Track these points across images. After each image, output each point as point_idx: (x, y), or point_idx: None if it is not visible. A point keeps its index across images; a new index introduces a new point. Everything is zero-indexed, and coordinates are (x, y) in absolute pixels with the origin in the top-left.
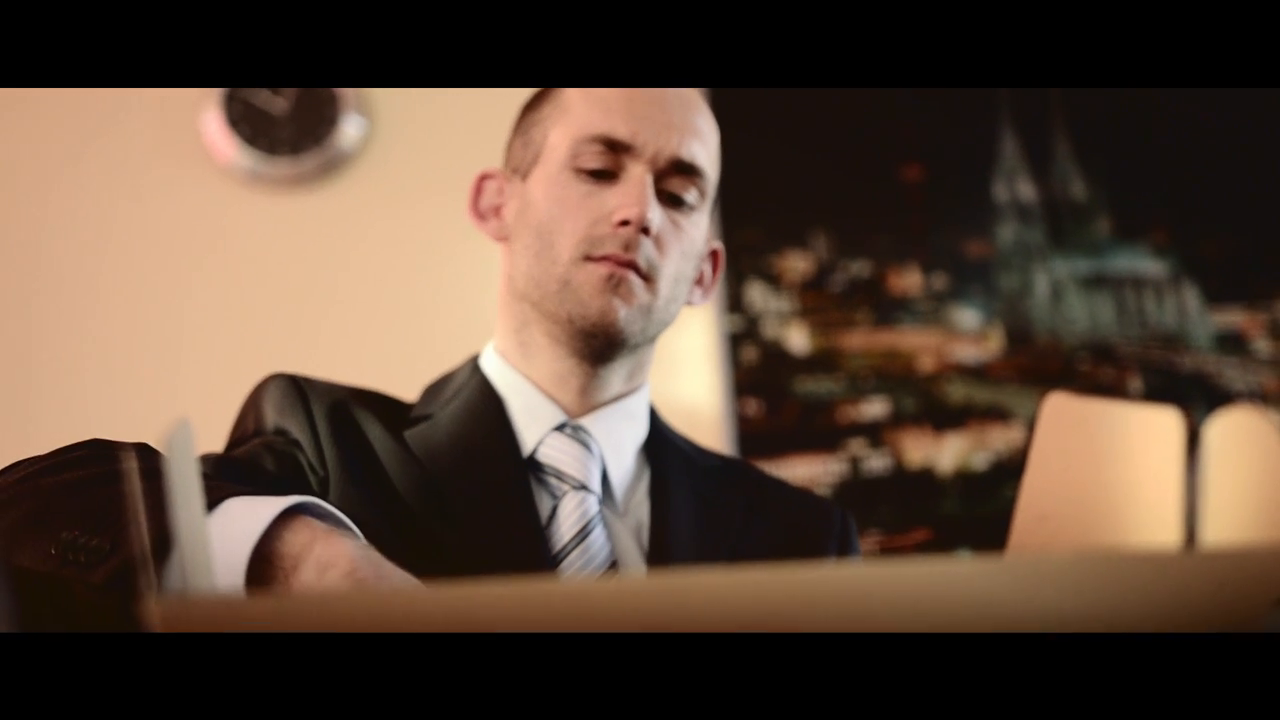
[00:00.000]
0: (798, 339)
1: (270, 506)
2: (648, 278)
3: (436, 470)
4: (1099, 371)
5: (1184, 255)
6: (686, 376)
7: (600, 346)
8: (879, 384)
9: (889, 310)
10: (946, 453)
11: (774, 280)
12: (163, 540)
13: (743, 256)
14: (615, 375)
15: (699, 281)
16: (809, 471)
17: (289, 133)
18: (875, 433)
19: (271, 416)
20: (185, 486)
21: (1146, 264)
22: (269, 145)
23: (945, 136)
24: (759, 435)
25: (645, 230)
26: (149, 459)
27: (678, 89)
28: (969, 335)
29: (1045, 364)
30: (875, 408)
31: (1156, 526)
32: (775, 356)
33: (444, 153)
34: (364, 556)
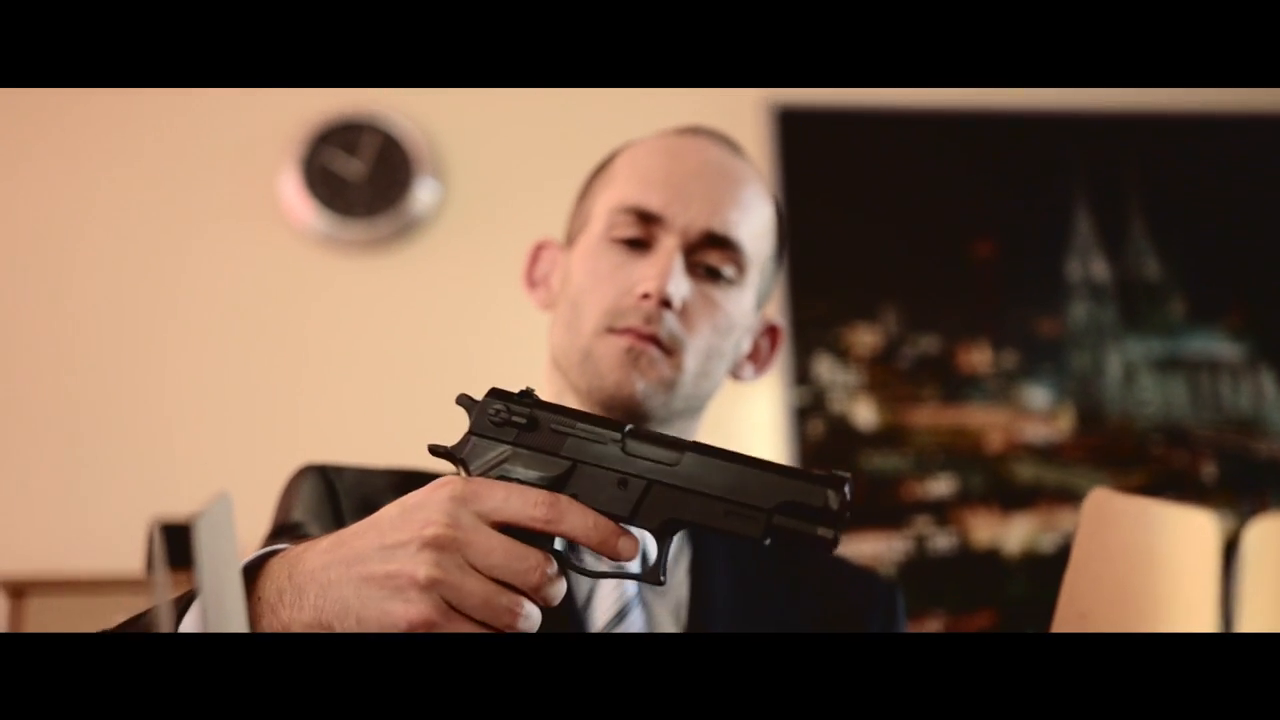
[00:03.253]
0: (865, 414)
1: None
2: (670, 351)
3: None
4: (1172, 455)
5: (1260, 338)
6: (752, 449)
7: (620, 418)
8: (946, 462)
9: (958, 387)
10: (1014, 534)
11: (842, 354)
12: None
13: (811, 329)
14: None
15: (752, 357)
16: (873, 548)
17: (364, 196)
18: (941, 511)
19: (300, 513)
20: (220, 555)
21: (1222, 347)
22: (345, 208)
23: (1018, 212)
24: None
25: (667, 304)
26: None
27: (729, 163)
28: (1039, 414)
29: (1117, 446)
30: (942, 486)
31: (1192, 628)
32: (842, 431)
33: (517, 217)
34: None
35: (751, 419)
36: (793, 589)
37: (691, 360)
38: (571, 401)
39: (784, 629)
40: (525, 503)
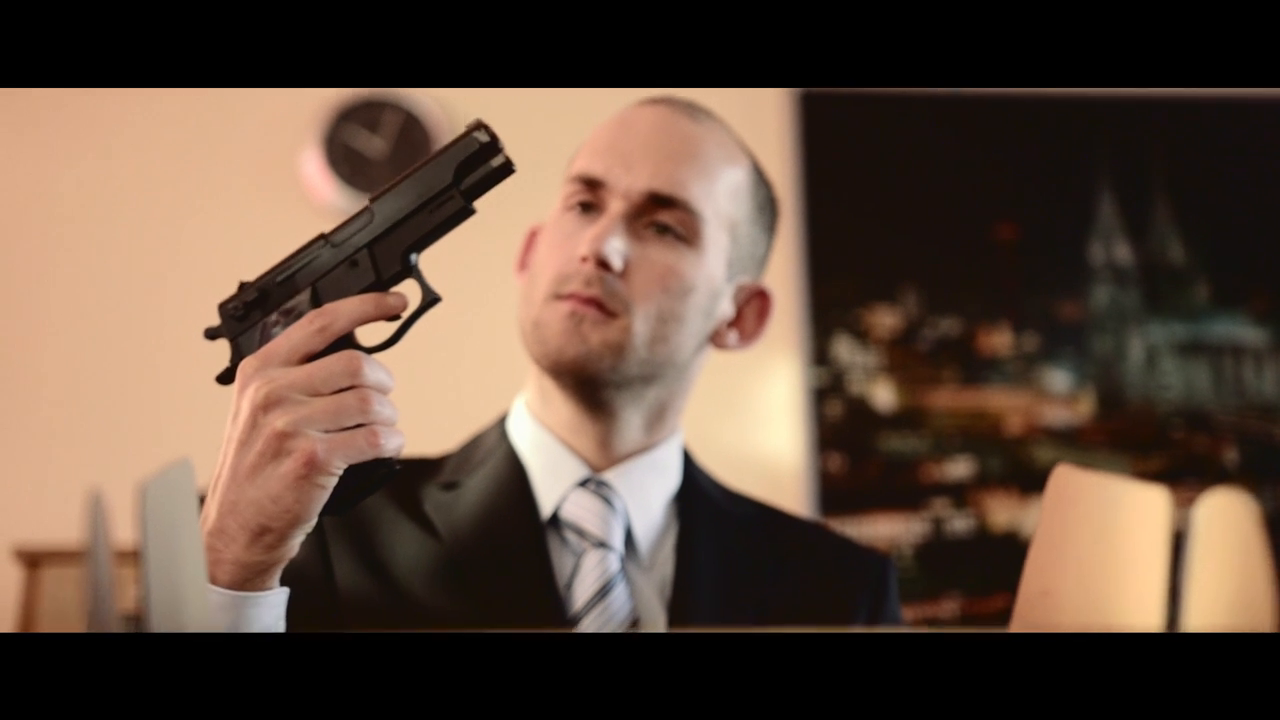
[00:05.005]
0: (884, 395)
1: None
2: (613, 313)
3: (455, 542)
4: (1193, 440)
5: None
6: (769, 430)
7: (574, 386)
8: (965, 444)
9: (978, 370)
10: (1032, 517)
11: (861, 335)
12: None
13: (831, 310)
14: (628, 424)
15: (736, 324)
16: (890, 530)
17: (386, 173)
18: (960, 493)
19: None
20: (176, 522)
21: (1245, 331)
22: (366, 185)
23: (1041, 195)
24: (841, 491)
25: (605, 265)
26: None
27: (682, 125)
28: (1059, 398)
29: (1137, 430)
30: (960, 468)
31: (1141, 607)
32: (860, 412)
33: (537, 195)
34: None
35: (770, 399)
36: (779, 564)
37: (640, 323)
38: (533, 372)
39: (770, 606)
40: (302, 331)
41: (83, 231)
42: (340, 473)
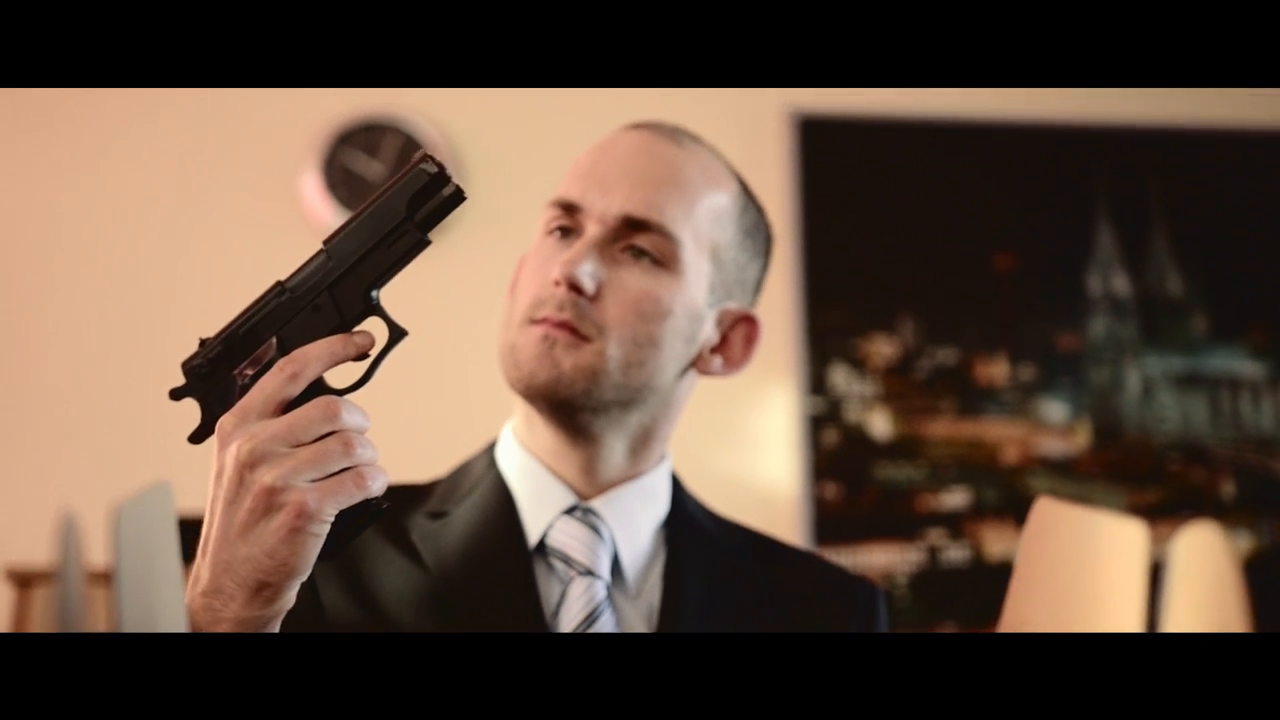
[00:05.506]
0: (880, 424)
1: None
2: (587, 337)
3: (441, 572)
4: (1190, 472)
5: None
6: (766, 458)
7: (549, 411)
8: (961, 474)
9: (974, 400)
10: None
11: (859, 364)
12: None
13: (828, 339)
14: (611, 450)
15: (721, 350)
16: (886, 559)
17: None
18: (955, 523)
19: None
20: (151, 546)
21: (1243, 364)
22: None
23: (1040, 226)
24: (836, 520)
25: (576, 289)
26: None
27: (662, 150)
28: (1056, 429)
29: (1134, 462)
30: (956, 498)
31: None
32: (857, 441)
33: (536, 221)
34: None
35: (766, 427)
36: (767, 593)
37: (614, 348)
38: (519, 398)
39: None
40: (274, 380)
41: (82, 254)
42: (332, 519)
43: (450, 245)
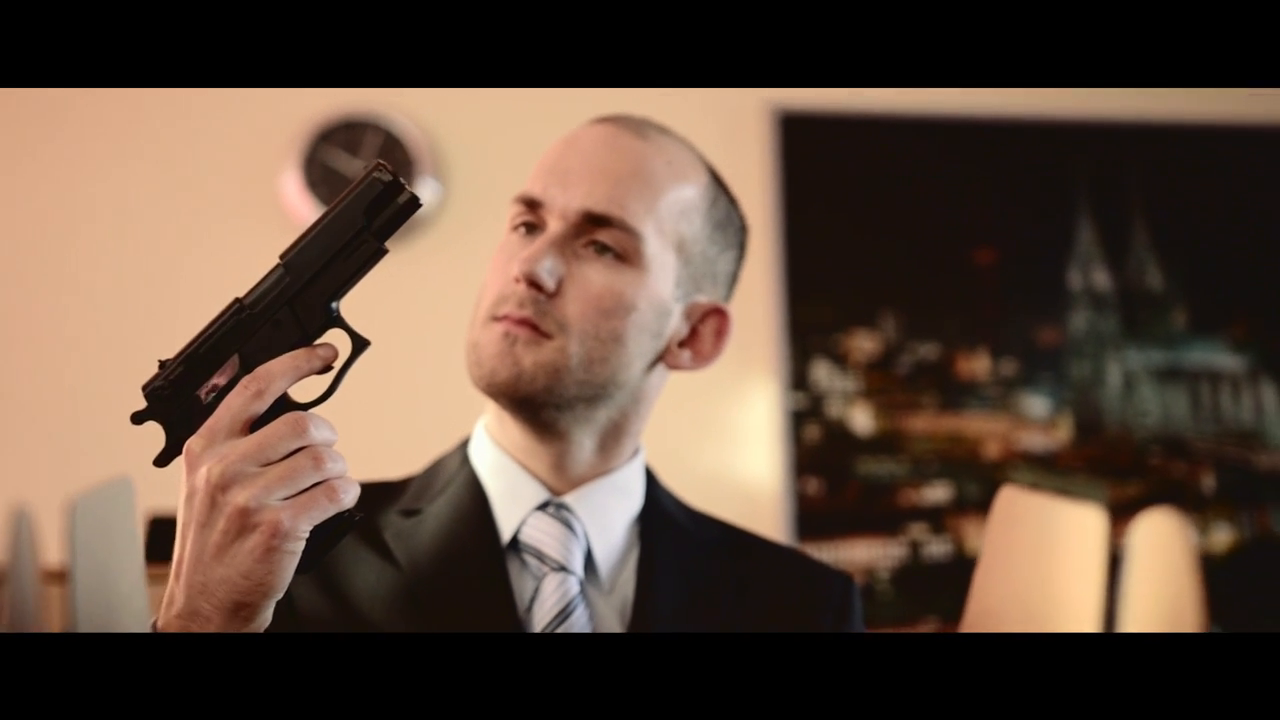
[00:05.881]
0: (862, 420)
1: None
2: (547, 334)
3: (414, 570)
4: (1170, 466)
5: (1263, 350)
6: (747, 453)
7: (512, 408)
8: (943, 469)
9: (956, 395)
10: None
11: (840, 359)
12: None
13: (810, 334)
14: (580, 446)
15: (689, 344)
16: (867, 554)
17: None
18: (937, 518)
19: None
20: (108, 539)
21: (1224, 358)
22: None
23: (1020, 220)
24: (818, 515)
25: (536, 285)
26: None
27: (626, 143)
28: (1037, 423)
29: (1115, 456)
30: (938, 492)
31: (1077, 627)
32: (838, 436)
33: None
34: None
35: (748, 423)
36: (741, 586)
37: (576, 344)
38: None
39: (731, 628)
40: (240, 398)
41: (62, 252)
42: (307, 535)
43: (432, 241)
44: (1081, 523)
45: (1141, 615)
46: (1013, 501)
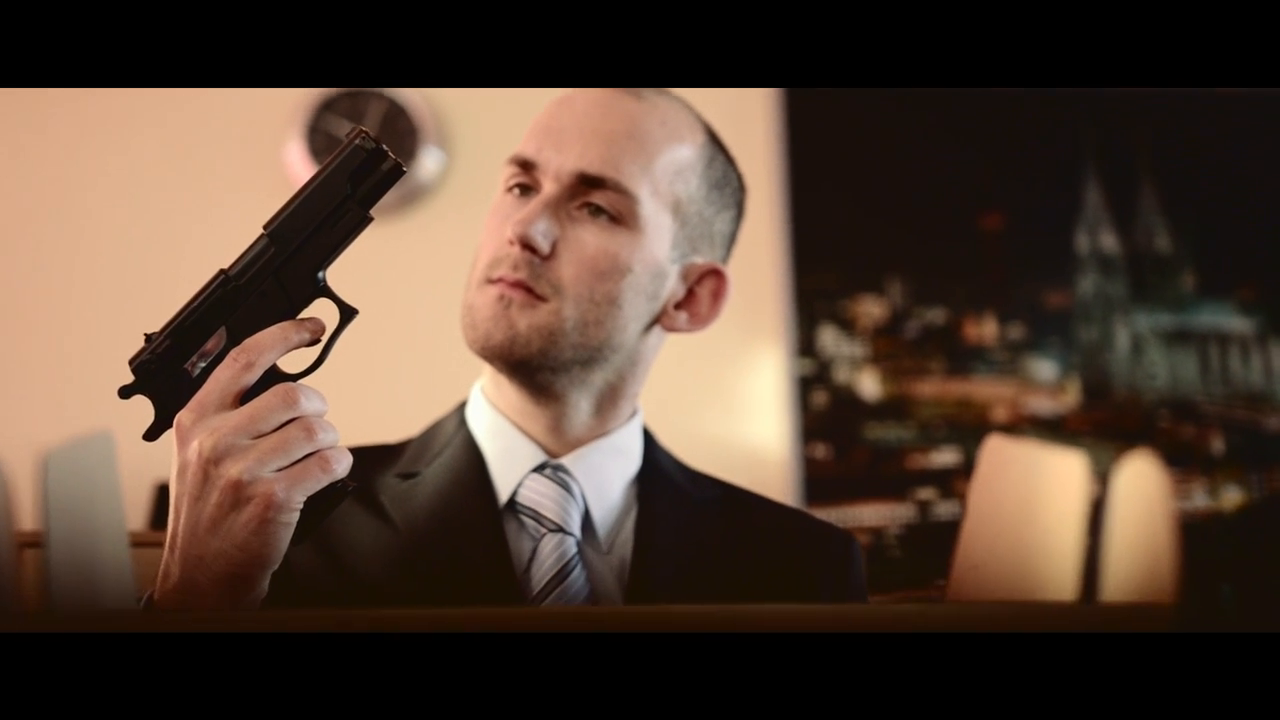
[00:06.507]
0: (869, 385)
1: None
2: (542, 296)
3: (411, 532)
4: (1179, 429)
5: (1272, 312)
6: (755, 419)
7: (508, 371)
8: (950, 433)
9: (963, 359)
10: None
11: (847, 325)
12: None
13: (816, 300)
14: (577, 409)
15: (686, 305)
16: (876, 517)
17: None
18: (945, 481)
19: None
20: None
21: (1232, 320)
22: None
23: (1027, 184)
24: (827, 480)
25: (529, 247)
26: None
27: (621, 104)
28: (1045, 387)
29: (1123, 419)
30: (946, 456)
31: (1058, 577)
32: (846, 402)
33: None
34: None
35: (755, 389)
36: (741, 546)
37: (571, 307)
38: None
39: (730, 588)
40: (228, 371)
41: (65, 226)
42: (301, 506)
43: (436, 210)
44: (1063, 469)
45: (1122, 566)
46: (997, 450)
